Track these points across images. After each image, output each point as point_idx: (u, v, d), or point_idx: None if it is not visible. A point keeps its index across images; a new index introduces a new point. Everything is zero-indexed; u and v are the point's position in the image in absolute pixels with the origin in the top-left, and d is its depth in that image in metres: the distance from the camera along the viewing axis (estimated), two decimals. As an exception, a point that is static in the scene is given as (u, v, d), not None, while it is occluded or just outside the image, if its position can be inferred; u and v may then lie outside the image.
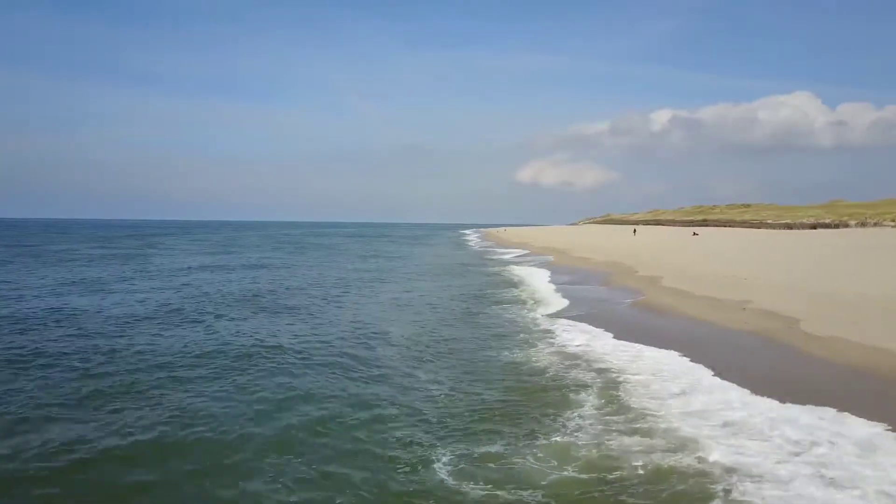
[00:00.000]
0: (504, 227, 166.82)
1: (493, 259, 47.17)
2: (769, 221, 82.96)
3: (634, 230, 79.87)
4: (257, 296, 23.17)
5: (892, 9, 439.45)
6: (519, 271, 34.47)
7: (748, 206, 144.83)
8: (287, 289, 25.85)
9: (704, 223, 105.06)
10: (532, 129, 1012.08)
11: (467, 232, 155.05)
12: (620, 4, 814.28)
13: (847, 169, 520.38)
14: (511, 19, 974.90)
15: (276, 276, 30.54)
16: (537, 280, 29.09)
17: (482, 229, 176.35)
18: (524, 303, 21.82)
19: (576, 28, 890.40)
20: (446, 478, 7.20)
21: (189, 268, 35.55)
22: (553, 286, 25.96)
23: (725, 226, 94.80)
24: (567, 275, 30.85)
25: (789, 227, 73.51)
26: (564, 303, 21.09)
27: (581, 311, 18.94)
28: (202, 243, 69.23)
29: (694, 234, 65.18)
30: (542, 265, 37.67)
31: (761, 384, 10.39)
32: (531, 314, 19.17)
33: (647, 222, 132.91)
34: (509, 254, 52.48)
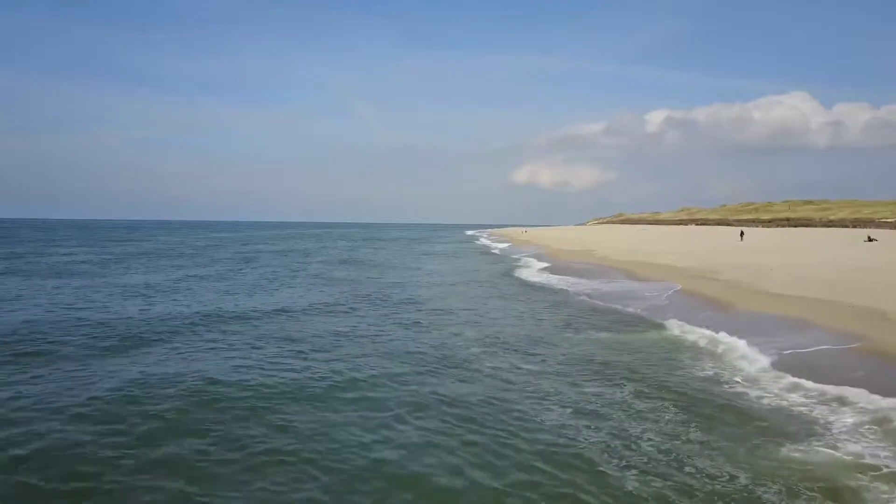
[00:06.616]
0: (524, 229, 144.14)
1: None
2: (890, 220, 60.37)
3: (742, 233, 56.81)
4: None
5: (890, 8, 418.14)
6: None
7: (813, 201, 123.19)
8: None
9: (787, 222, 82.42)
10: (528, 130, 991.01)
11: (477, 233, 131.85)
12: (616, 6, 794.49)
13: (844, 169, 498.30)
14: (507, 21, 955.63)
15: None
16: None
17: (491, 230, 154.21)
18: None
19: (572, 29, 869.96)
20: None
21: None
22: None
23: (830, 226, 72.07)
24: None
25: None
26: None
27: None
28: (112, 253, 46.79)
29: (869, 238, 42.15)
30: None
31: None
32: None
33: (700, 222, 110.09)
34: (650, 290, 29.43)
